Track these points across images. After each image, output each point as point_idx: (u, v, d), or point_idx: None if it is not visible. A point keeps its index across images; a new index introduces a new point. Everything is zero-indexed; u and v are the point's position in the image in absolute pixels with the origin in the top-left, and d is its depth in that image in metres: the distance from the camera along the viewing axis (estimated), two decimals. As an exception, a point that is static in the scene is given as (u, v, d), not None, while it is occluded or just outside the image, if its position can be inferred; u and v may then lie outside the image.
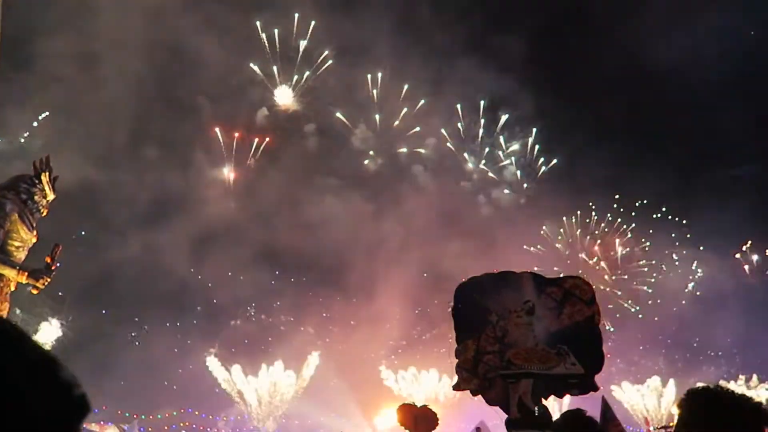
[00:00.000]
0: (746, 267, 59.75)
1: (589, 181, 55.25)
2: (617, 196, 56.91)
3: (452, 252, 52.49)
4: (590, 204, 56.73)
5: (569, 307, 3.10)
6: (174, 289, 50.53)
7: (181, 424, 49.38)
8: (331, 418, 46.72)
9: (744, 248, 59.76)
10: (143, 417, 47.37)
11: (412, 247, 54.14)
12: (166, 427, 47.84)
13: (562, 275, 3.12)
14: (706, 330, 55.50)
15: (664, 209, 53.80)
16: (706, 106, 56.47)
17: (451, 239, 53.39)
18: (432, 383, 50.61)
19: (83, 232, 45.83)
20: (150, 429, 47.40)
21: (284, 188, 54.60)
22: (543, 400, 3.10)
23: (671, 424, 41.25)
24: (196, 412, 50.09)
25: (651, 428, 44.45)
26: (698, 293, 58.86)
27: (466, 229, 53.72)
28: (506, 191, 58.97)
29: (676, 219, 55.83)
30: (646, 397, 54.77)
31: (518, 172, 59.37)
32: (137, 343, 49.70)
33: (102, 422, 46.79)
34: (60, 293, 45.49)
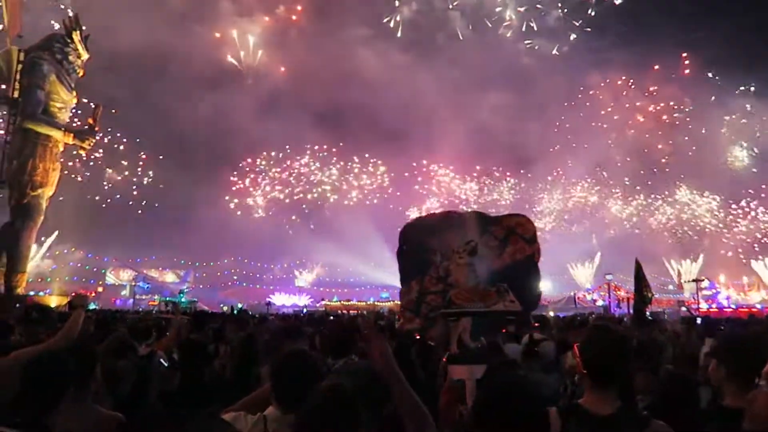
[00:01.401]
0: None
1: (644, 28, 50.95)
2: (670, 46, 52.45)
3: (492, 105, 50.96)
4: (644, 54, 52.58)
5: (511, 245, 3.03)
6: (230, 146, 52.07)
7: (233, 271, 53.35)
8: (370, 268, 49.28)
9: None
10: (197, 264, 51.25)
11: (452, 100, 52.67)
12: (218, 273, 51.87)
13: (506, 213, 3.05)
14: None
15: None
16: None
17: (491, 92, 51.34)
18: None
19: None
20: (204, 275, 51.51)
21: (317, 43, 52.54)
22: (482, 336, 3.24)
23: (702, 278, 42.09)
24: (245, 260, 53.70)
25: (682, 281, 45.50)
26: (754, 150, 56.51)
27: (506, 81, 51.22)
28: (548, 41, 54.59)
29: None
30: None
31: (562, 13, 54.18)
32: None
33: (161, 268, 51.15)
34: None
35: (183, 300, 39.00)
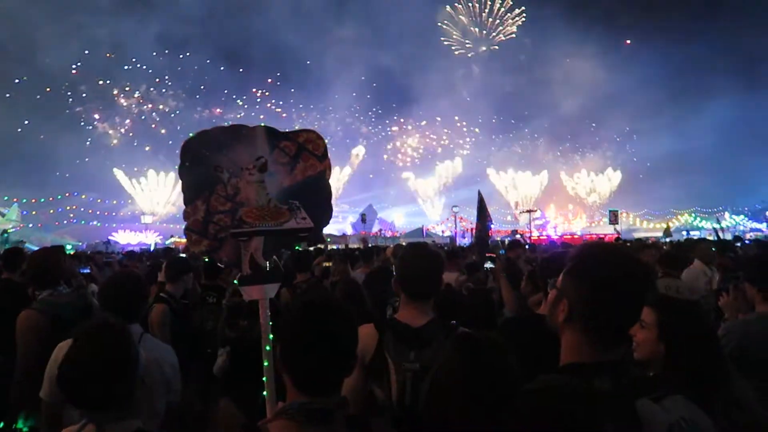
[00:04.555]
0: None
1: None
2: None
3: (343, 37, 50.20)
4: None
5: (302, 162, 3.00)
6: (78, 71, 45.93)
7: (68, 208, 48.46)
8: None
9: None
10: (24, 201, 45.76)
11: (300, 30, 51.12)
12: (51, 211, 46.81)
13: (296, 128, 2.98)
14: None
15: None
16: None
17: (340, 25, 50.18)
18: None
19: None
20: (33, 212, 46.22)
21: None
22: (275, 254, 3.22)
23: (534, 209, 46.43)
24: (83, 196, 49.13)
25: (518, 211, 49.78)
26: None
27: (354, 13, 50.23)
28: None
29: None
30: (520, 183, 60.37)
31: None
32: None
33: (-21, 207, 45.01)
34: None
35: (8, 241, 34.94)
